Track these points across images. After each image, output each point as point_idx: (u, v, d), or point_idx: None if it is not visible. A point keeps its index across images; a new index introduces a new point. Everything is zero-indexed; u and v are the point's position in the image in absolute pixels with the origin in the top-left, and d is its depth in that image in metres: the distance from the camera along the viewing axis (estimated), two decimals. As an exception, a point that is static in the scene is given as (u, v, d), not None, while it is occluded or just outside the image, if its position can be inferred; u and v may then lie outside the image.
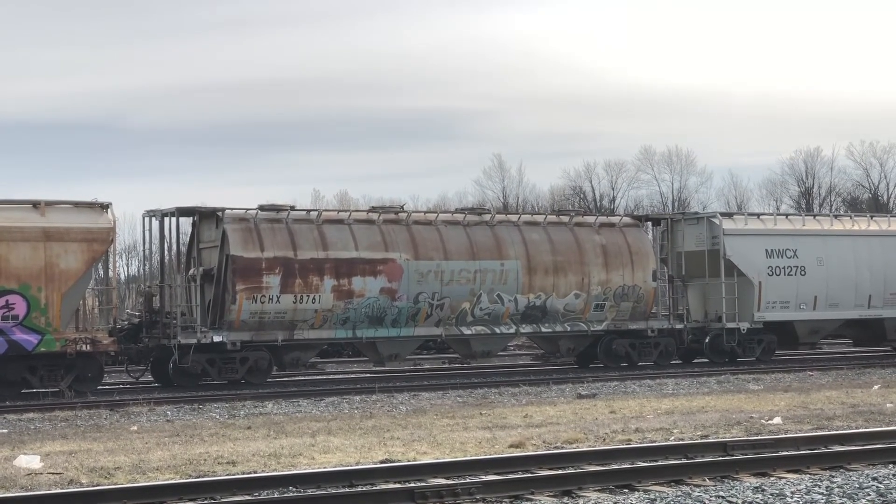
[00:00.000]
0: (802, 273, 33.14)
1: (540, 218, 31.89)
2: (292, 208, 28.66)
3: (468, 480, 12.07)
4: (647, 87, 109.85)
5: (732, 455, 13.87)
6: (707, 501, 11.17)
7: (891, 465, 13.24)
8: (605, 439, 16.15)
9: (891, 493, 11.40)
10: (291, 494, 11.62)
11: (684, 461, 13.38)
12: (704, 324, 33.04)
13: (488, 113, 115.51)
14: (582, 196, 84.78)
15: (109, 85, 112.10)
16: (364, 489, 11.78)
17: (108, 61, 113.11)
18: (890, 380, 27.09)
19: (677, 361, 32.99)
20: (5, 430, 19.27)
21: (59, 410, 22.21)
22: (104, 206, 25.86)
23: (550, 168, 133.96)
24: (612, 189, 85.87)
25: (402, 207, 30.86)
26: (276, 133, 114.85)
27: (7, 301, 24.55)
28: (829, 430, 16.46)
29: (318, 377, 30.69)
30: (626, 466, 13.02)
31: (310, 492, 11.77)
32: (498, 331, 30.06)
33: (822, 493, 11.48)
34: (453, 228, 29.87)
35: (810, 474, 12.77)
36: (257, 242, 27.38)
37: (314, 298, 27.68)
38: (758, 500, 11.21)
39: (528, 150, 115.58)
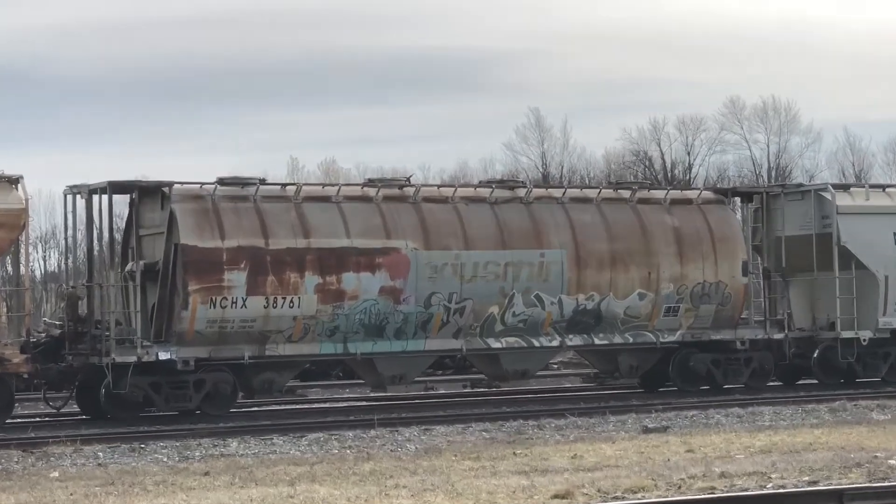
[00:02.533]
0: (944, 265, 33.07)
1: (592, 193, 31.90)
2: (262, 182, 28.72)
3: (498, 542, 12.09)
4: (733, 18, 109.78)
5: (850, 507, 13.88)
6: (817, 569, 11.16)
7: None
8: (680, 487, 16.18)
9: None
10: (263, 562, 11.66)
11: (786, 516, 13.40)
12: (812, 332, 33.00)
13: (523, 54, 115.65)
14: (648, 164, 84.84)
15: (22, 22, 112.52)
16: (360, 555, 11.80)
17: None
18: None
19: (776, 383, 32.98)
20: None
21: (-44, 452, 22.30)
22: (13, 181, 25.94)
23: (606, 127, 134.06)
24: (688, 155, 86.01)
25: (408, 180, 30.87)
26: (242, 83, 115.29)
27: None
28: (979, 474, 16.45)
29: (297, 407, 30.77)
30: (708, 523, 13.03)
31: (288, 558, 11.80)
32: (536, 343, 30.10)
33: (970, 558, 11.46)
34: (477, 208, 29.89)
35: (955, 533, 12.75)
36: (216, 228, 27.43)
37: (292, 302, 27.73)
38: (885, 567, 11.19)
39: (576, 104, 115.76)
